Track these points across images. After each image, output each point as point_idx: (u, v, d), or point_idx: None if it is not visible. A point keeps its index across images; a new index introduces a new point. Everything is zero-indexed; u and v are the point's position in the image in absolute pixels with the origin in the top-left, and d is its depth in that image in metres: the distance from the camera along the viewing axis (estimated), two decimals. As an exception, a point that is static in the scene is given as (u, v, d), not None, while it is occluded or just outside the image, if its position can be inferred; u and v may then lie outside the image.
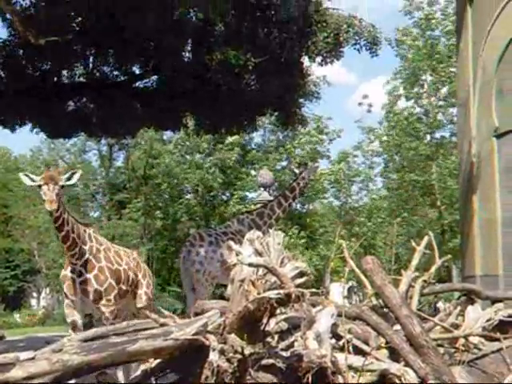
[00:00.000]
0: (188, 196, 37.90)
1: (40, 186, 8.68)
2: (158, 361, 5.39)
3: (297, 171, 14.24)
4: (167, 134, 37.54)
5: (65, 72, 16.69)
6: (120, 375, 7.45)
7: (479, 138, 12.70)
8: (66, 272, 9.28)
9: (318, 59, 16.08)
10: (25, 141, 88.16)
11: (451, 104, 33.28)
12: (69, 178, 9.17)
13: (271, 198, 15.14)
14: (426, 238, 7.92)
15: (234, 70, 14.33)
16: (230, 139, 34.02)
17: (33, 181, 8.93)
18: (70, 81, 16.89)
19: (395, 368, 5.61)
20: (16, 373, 4.55)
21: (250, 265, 5.17)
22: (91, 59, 16.42)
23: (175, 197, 37.04)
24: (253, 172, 36.54)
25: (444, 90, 35.13)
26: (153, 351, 5.02)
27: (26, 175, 9.16)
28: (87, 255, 9.28)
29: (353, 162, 39.96)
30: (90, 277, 9.23)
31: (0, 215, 48.02)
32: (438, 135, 36.34)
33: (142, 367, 5.44)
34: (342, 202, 40.05)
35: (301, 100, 19.16)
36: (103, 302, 9.32)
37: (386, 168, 39.54)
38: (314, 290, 5.51)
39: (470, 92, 12.84)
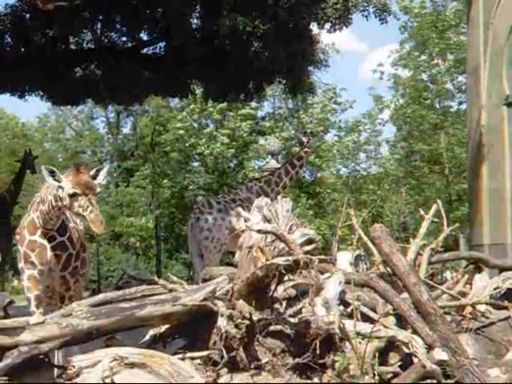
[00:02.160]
0: (196, 164, 37.87)
1: (73, 195, 6.81)
2: (167, 326, 5.43)
3: (304, 139, 14.19)
4: (174, 101, 37.39)
5: (72, 38, 16.59)
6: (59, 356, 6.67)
7: (489, 106, 12.63)
8: (35, 237, 7.39)
9: (327, 26, 15.93)
10: (33, 108, 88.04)
11: (460, 72, 33.03)
12: (94, 177, 7.10)
13: (279, 166, 15.11)
14: (434, 207, 7.91)
15: (242, 37, 14.22)
16: (242, 111, 33.95)
17: (58, 181, 6.91)
18: (77, 47, 16.80)
19: (403, 335, 5.63)
20: (26, 336, 4.60)
21: (259, 231, 5.19)
22: (99, 25, 16.31)
23: (182, 163, 36.97)
24: (261, 141, 36.41)
25: (451, 58, 34.83)
26: (161, 317, 5.05)
27: (52, 173, 6.93)
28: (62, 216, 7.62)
29: (363, 130, 39.76)
30: (64, 239, 7.59)
31: (8, 182, 48.06)
32: (447, 103, 36.17)
33: (151, 332, 5.48)
34: (350, 170, 39.98)
35: (310, 68, 19.03)
36: (69, 269, 7.68)
37: (395, 136, 39.43)
38: (322, 257, 5.52)
39: (481, 60, 12.74)
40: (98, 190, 7.02)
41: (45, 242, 7.31)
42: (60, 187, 6.85)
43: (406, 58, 36.11)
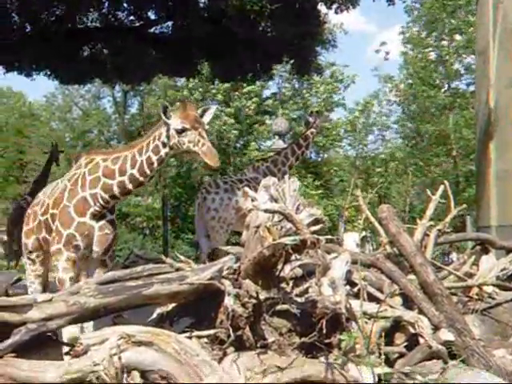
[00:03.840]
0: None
1: (182, 131, 6.53)
2: (174, 305, 5.45)
3: (310, 119, 14.15)
4: (181, 81, 37.31)
5: (79, 17, 16.54)
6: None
7: (498, 86, 12.57)
8: (85, 219, 6.96)
9: (334, 6, 15.84)
10: (40, 87, 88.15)
11: (468, 52, 32.89)
12: (201, 117, 6.79)
13: (285, 146, 15.09)
14: (441, 187, 7.91)
15: (249, 17, 14.15)
16: (247, 89, 33.78)
17: (168, 118, 6.60)
18: (84, 26, 16.77)
19: (409, 315, 5.66)
20: (33, 314, 4.62)
21: (266, 211, 5.18)
22: (106, 4, 16.27)
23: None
24: (268, 121, 36.33)
25: (460, 38, 34.66)
26: (168, 295, 5.07)
27: (166, 108, 6.61)
28: None
29: (371, 111, 39.64)
30: (113, 218, 7.22)
31: (15, 161, 48.22)
32: (454, 85, 36.05)
33: (158, 311, 5.50)
34: (357, 151, 39.90)
35: (317, 48, 18.97)
36: (110, 253, 7.30)
37: (402, 117, 39.32)
38: (329, 237, 5.52)
39: (490, 40, 12.65)
40: (206, 127, 6.74)
41: (93, 222, 6.97)
42: (166, 124, 6.62)
43: (415, 38, 35.94)
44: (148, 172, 6.82)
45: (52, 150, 19.98)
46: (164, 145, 6.70)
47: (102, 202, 6.93)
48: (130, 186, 6.87)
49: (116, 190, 6.88)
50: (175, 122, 6.57)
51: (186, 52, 16.11)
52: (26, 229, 8.16)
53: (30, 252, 8.00)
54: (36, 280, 7.91)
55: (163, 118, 6.61)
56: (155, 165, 6.79)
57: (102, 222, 7.03)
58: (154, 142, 6.75)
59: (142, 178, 6.84)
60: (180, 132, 6.55)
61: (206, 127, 6.72)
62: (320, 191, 34.77)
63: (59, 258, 6.92)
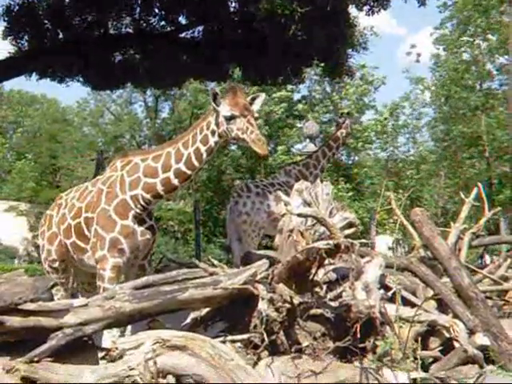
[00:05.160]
0: (233, 147, 37.91)
1: (231, 118, 6.46)
2: (208, 309, 5.46)
3: (340, 121, 14.12)
4: (211, 85, 37.43)
5: (111, 23, 16.66)
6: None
7: (531, 88, 12.44)
8: (128, 222, 6.85)
9: (365, 9, 15.76)
10: (73, 92, 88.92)
11: (501, 53, 32.56)
12: (250, 104, 6.68)
13: (316, 150, 15.05)
14: (475, 190, 7.84)
15: (280, 20, 14.13)
16: (277, 94, 33.75)
17: (217, 104, 6.55)
18: (116, 32, 16.87)
19: (444, 319, 5.62)
20: (69, 319, 4.66)
21: (300, 215, 5.18)
22: (138, 10, 16.35)
23: (219, 148, 37.01)
24: (298, 124, 36.26)
25: (492, 38, 34.30)
26: (202, 300, 5.09)
27: (216, 95, 6.55)
28: None
29: (401, 113, 39.39)
30: (152, 223, 7.13)
31: (48, 166, 48.68)
32: (487, 85, 35.68)
33: (192, 315, 5.52)
34: (388, 153, 39.65)
35: (348, 51, 18.89)
36: (149, 257, 7.33)
37: (434, 119, 39.01)
38: (363, 240, 5.50)
39: (523, 41, 12.53)
40: (256, 115, 6.67)
41: (136, 226, 6.87)
42: (216, 111, 6.55)
43: (447, 38, 35.64)
44: (197, 164, 6.74)
45: (98, 156, 20.17)
46: (213, 133, 6.63)
47: (143, 203, 6.87)
48: (175, 182, 6.78)
49: (160, 188, 6.81)
50: (224, 108, 6.51)
51: (217, 56, 16.14)
52: (48, 233, 8.03)
53: (54, 260, 7.91)
54: (61, 287, 7.87)
55: (213, 104, 6.55)
56: (204, 156, 6.73)
57: (144, 227, 6.95)
58: (201, 133, 6.68)
59: (189, 172, 6.76)
60: (229, 119, 6.48)
61: (256, 115, 6.64)
62: (351, 194, 34.61)
63: (105, 266, 6.79)
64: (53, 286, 4.85)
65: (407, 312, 5.50)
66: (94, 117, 51.58)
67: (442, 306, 6.16)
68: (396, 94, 75.76)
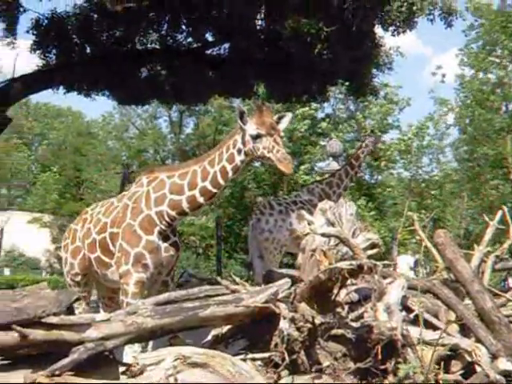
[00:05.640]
0: (256, 164, 37.97)
1: (257, 137, 6.49)
2: (229, 327, 5.47)
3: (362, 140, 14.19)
4: (236, 102, 37.57)
5: (138, 39, 16.80)
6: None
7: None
8: (153, 237, 6.89)
9: (391, 29, 15.77)
10: (97, 105, 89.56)
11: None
12: (277, 123, 6.71)
13: (339, 168, 15.05)
14: (499, 213, 7.78)
15: (305, 39, 14.19)
16: (301, 110, 33.75)
17: (244, 123, 6.58)
18: (143, 47, 17.02)
19: (466, 343, 5.57)
20: (91, 333, 4.68)
21: (323, 235, 5.19)
22: (165, 26, 16.48)
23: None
24: (322, 142, 36.26)
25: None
26: (224, 317, 5.10)
27: (243, 114, 6.57)
28: None
29: (425, 133, 39.22)
30: (176, 239, 7.14)
31: (72, 179, 49.01)
32: (513, 107, 35.48)
33: (213, 332, 5.52)
34: (412, 173, 39.50)
35: (373, 70, 18.91)
36: (172, 274, 7.34)
37: (458, 140, 38.84)
38: (385, 261, 5.48)
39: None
40: (282, 134, 6.66)
41: (160, 242, 6.91)
42: (242, 130, 6.58)
43: (473, 59, 35.51)
44: (222, 182, 6.77)
45: (123, 170, 20.32)
46: (239, 152, 6.65)
47: (168, 220, 6.89)
48: (201, 200, 6.83)
49: (185, 206, 6.85)
50: (251, 127, 6.54)
51: (243, 73, 16.23)
52: (71, 247, 8.07)
53: (76, 274, 7.97)
54: (83, 301, 7.88)
55: (239, 122, 6.58)
56: (230, 174, 6.75)
57: (168, 243, 6.97)
58: (227, 151, 6.70)
59: (215, 190, 6.79)
60: (255, 138, 6.50)
61: (282, 134, 6.65)
62: (373, 213, 34.51)
63: (128, 281, 6.83)
64: (76, 300, 4.88)
65: (429, 335, 5.47)
66: (118, 131, 51.93)
67: (465, 330, 6.11)
68: (420, 114, 75.59)
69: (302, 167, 34.26)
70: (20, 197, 55.12)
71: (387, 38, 17.54)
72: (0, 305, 4.54)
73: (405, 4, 14.81)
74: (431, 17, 15.63)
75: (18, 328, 4.42)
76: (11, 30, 16.13)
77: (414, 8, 14.98)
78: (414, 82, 79.33)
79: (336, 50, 14.84)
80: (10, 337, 4.47)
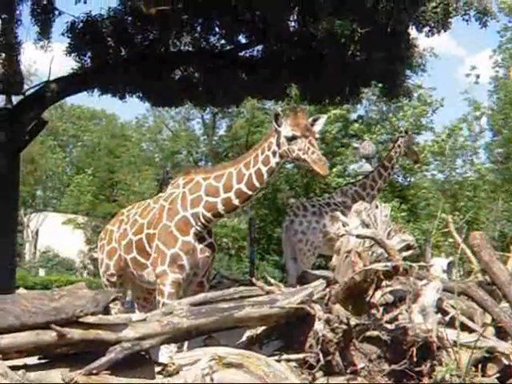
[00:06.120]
0: (289, 166, 37.95)
1: (292, 139, 6.49)
2: (263, 328, 5.48)
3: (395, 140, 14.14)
4: (269, 103, 37.56)
5: (172, 41, 16.89)
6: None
7: None
8: (189, 238, 6.95)
9: (426, 30, 15.66)
10: (131, 108, 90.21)
11: None
12: (311, 125, 6.73)
13: (372, 170, 14.99)
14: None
15: (339, 40, 14.13)
16: (332, 112, 33.67)
17: (279, 125, 6.58)
18: (177, 50, 17.11)
19: (503, 347, 5.52)
20: (128, 333, 4.71)
21: (358, 236, 5.18)
22: (198, 28, 16.55)
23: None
24: (354, 144, 36.16)
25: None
26: (259, 318, 5.11)
27: (277, 116, 6.62)
28: None
29: (459, 134, 38.92)
30: (212, 241, 7.20)
31: (106, 180, 49.39)
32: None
33: (248, 333, 5.54)
34: (445, 175, 39.22)
35: (406, 72, 18.79)
36: (207, 275, 7.37)
37: (492, 142, 38.49)
38: (421, 263, 5.46)
39: None
40: (317, 136, 6.68)
41: (196, 243, 6.97)
42: (277, 132, 6.59)
43: (508, 60, 35.17)
44: (257, 185, 6.79)
45: (163, 175, 20.46)
46: (274, 154, 6.66)
47: (203, 221, 6.94)
48: (236, 202, 6.86)
49: (220, 208, 6.88)
50: (286, 129, 6.55)
51: (276, 75, 16.22)
52: (107, 248, 8.11)
53: (112, 274, 8.03)
54: (118, 302, 7.76)
55: (274, 124, 6.60)
56: (265, 176, 6.76)
57: (203, 245, 7.02)
58: (263, 154, 6.73)
59: (250, 192, 6.82)
60: (290, 139, 6.50)
61: (317, 136, 6.66)
62: (404, 214, 34.31)
63: (165, 281, 6.87)
64: (113, 300, 4.92)
65: (465, 337, 5.44)
66: (152, 133, 52.30)
67: (500, 333, 6.06)
68: (454, 115, 75.00)
69: (334, 169, 34.12)
70: (55, 198, 55.66)
71: (421, 39, 17.46)
72: (38, 304, 4.59)
73: (440, 5, 14.71)
74: (466, 17, 15.52)
75: (57, 327, 4.47)
76: (46, 34, 16.35)
77: (450, 8, 14.88)
78: (447, 83, 78.66)
79: (370, 52, 14.78)
80: (48, 336, 4.52)
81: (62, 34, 15.96)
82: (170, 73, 17.02)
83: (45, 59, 18.28)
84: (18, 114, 15.53)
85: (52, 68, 16.22)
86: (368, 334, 5.14)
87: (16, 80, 15.67)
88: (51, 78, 16.07)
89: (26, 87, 16.87)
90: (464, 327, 6.01)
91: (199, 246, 6.98)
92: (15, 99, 16.56)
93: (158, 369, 4.99)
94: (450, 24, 15.35)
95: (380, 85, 18.45)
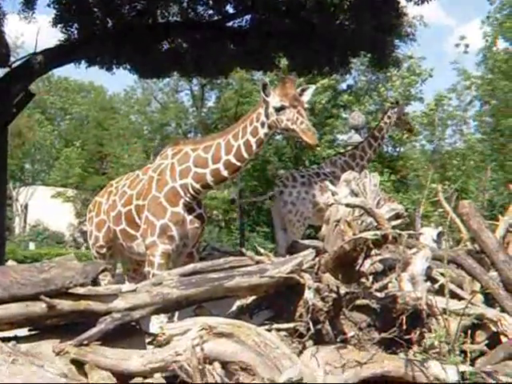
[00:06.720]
0: (278, 137, 37.87)
1: (281, 109, 6.44)
2: (253, 297, 5.49)
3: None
4: (257, 74, 37.37)
5: (159, 12, 16.71)
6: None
7: None
8: (178, 209, 6.96)
9: (414, -2, 15.54)
10: (118, 79, 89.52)
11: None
12: (300, 95, 6.69)
13: (362, 140, 14.96)
14: (523, 183, 7.73)
15: (328, 10, 14.03)
16: (321, 82, 33.51)
17: (267, 95, 6.53)
18: (164, 20, 16.95)
19: (492, 313, 5.56)
20: (118, 303, 4.74)
21: (347, 205, 5.18)
22: (186, -2, 16.42)
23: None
24: (343, 115, 36.08)
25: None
26: (248, 288, 5.13)
27: (265, 86, 6.56)
28: None
29: (448, 104, 38.91)
30: (201, 212, 7.21)
31: (95, 153, 49.15)
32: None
33: (238, 303, 5.55)
34: (434, 145, 39.25)
35: (396, 41, 18.70)
36: (197, 246, 7.36)
37: (481, 111, 38.46)
38: (411, 232, 5.47)
39: None
40: (305, 106, 6.64)
41: (186, 214, 6.97)
42: (266, 102, 6.55)
43: (497, 29, 35.01)
44: (246, 156, 6.79)
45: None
46: (263, 125, 6.64)
47: (192, 192, 6.95)
48: (225, 173, 6.86)
49: (209, 179, 6.88)
50: (274, 99, 6.52)
51: (264, 45, 16.10)
52: (96, 220, 8.13)
53: (101, 246, 8.06)
54: (108, 273, 7.84)
55: (262, 95, 6.57)
56: (254, 147, 6.75)
57: (193, 216, 7.03)
58: (251, 125, 6.71)
59: (239, 163, 6.81)
60: (278, 110, 6.48)
61: (305, 106, 6.63)
62: (395, 185, 34.35)
63: (154, 252, 6.89)
64: (103, 271, 4.92)
65: (454, 305, 5.47)
66: (140, 105, 52.01)
67: (489, 300, 6.11)
68: (443, 85, 74.86)
69: (323, 140, 34.07)
70: (43, 171, 55.43)
71: (410, 8, 17.31)
72: (28, 276, 4.59)
73: (428, -27, 14.63)
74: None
75: (46, 299, 4.47)
76: (30, 4, 16.13)
77: (438, -23, 14.79)
78: (436, 53, 78.48)
79: (358, 21, 14.67)
80: (38, 307, 4.53)
81: (48, 6, 15.74)
82: (157, 43, 16.86)
83: (32, 32, 18.11)
84: (5, 87, 15.35)
85: (39, 40, 16.02)
86: (358, 302, 5.16)
87: (1, 52, 15.47)
88: (38, 50, 15.90)
89: (12, 59, 16.67)
90: (453, 295, 6.05)
91: (189, 217, 6.99)
92: (1, 72, 16.39)
93: (148, 339, 5.01)
94: (438, -8, 15.25)
95: (369, 55, 18.36)
